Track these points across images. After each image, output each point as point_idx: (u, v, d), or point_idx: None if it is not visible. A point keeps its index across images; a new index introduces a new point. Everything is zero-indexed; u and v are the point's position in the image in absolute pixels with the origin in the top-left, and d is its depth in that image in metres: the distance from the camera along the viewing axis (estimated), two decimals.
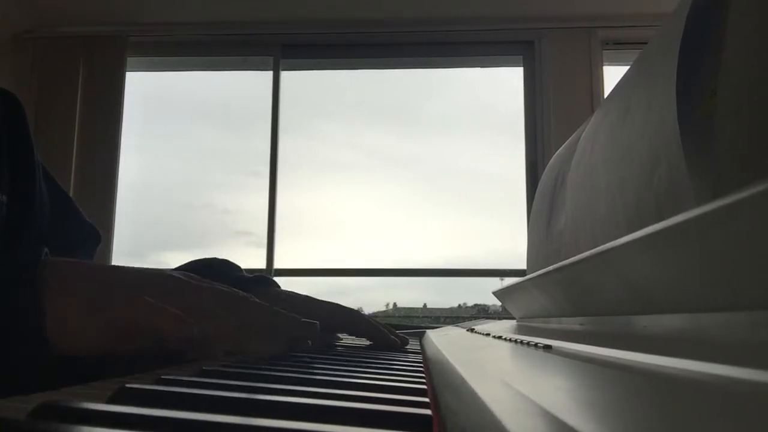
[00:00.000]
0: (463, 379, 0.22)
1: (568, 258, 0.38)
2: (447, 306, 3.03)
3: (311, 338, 0.49)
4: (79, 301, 0.37)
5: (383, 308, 3.00)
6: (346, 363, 0.42)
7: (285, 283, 0.74)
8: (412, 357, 0.54)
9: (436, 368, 0.35)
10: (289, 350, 0.44)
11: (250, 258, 2.67)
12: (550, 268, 0.43)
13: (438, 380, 0.30)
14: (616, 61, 2.67)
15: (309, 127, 2.96)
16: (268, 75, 2.78)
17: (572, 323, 0.45)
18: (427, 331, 0.93)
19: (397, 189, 2.95)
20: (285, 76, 2.80)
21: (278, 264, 2.67)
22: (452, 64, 2.89)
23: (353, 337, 0.79)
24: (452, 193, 2.94)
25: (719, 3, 0.27)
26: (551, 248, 0.58)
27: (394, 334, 0.71)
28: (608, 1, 2.55)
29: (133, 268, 0.42)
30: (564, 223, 0.54)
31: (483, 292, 2.86)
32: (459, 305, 2.99)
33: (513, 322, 0.81)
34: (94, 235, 0.73)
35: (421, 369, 0.41)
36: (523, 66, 2.75)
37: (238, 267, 0.72)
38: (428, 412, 0.21)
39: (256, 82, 2.85)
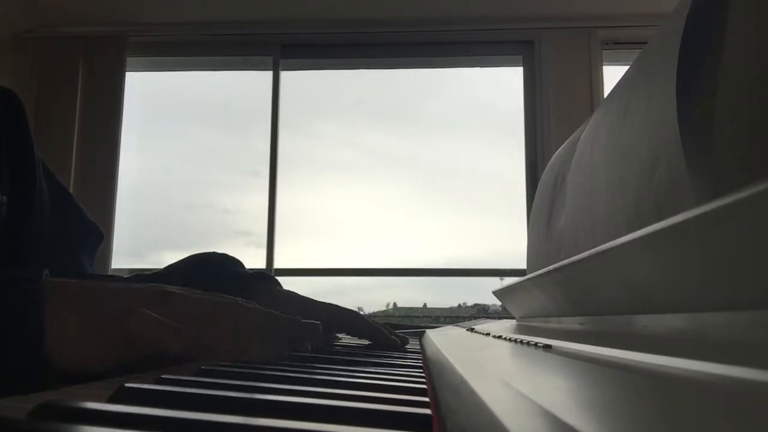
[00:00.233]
0: (462, 378, 0.22)
1: (568, 258, 0.38)
2: (447, 306, 3.03)
3: (313, 339, 0.49)
4: (78, 319, 0.38)
5: (383, 308, 3.00)
6: (346, 363, 0.42)
7: (285, 283, 0.74)
8: (411, 357, 0.54)
9: (436, 368, 0.35)
10: (288, 352, 0.44)
11: (250, 258, 2.67)
12: (550, 267, 0.43)
13: (438, 380, 0.30)
14: (616, 61, 2.67)
15: (309, 127, 2.96)
16: (268, 75, 2.78)
17: (572, 323, 0.45)
18: (427, 330, 0.93)
19: (397, 189, 2.95)
20: (285, 76, 2.80)
21: (278, 264, 2.68)
22: (452, 64, 2.89)
23: (353, 337, 0.79)
24: (452, 193, 2.94)
25: (719, 3, 0.27)
26: (551, 248, 0.58)
27: (394, 333, 0.71)
28: (608, 1, 2.55)
29: (129, 282, 0.42)
30: (564, 222, 0.54)
31: (483, 292, 2.86)
32: (459, 305, 2.98)
33: (513, 322, 0.81)
34: (95, 233, 0.73)
35: (421, 369, 0.41)
36: (523, 66, 2.75)
37: (239, 262, 0.71)
38: (428, 411, 0.21)
39: (256, 82, 2.85)
